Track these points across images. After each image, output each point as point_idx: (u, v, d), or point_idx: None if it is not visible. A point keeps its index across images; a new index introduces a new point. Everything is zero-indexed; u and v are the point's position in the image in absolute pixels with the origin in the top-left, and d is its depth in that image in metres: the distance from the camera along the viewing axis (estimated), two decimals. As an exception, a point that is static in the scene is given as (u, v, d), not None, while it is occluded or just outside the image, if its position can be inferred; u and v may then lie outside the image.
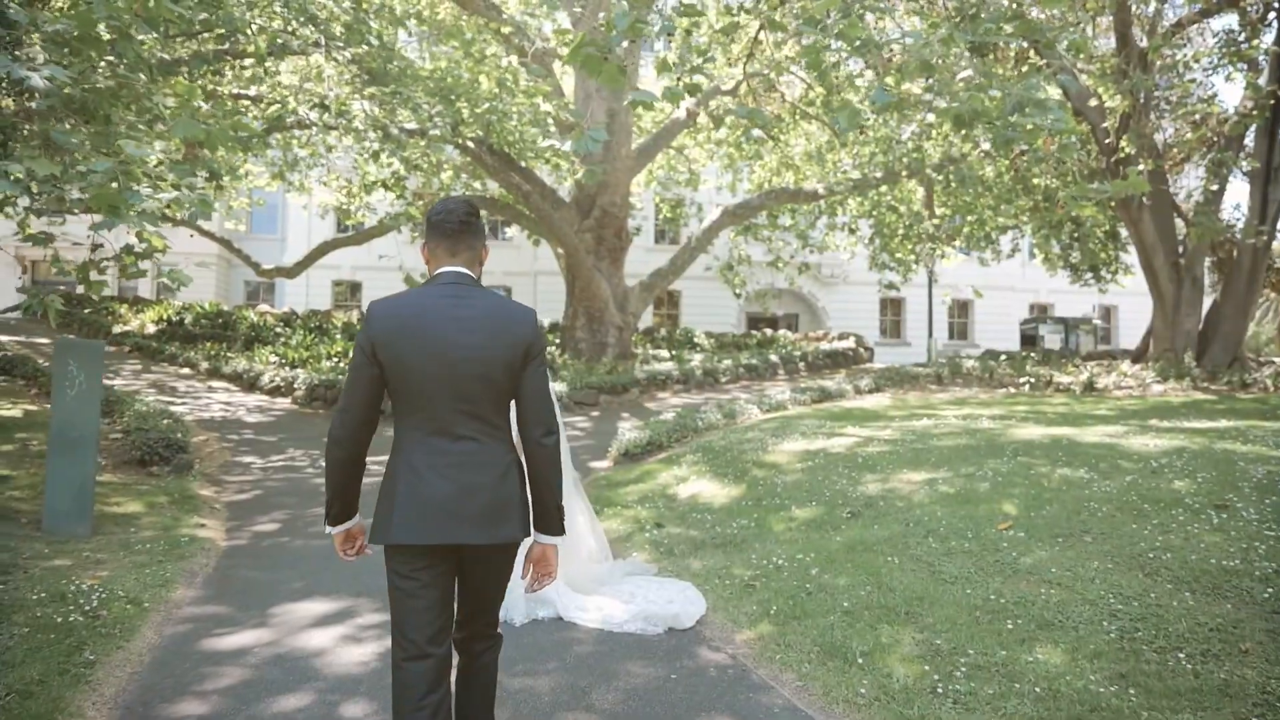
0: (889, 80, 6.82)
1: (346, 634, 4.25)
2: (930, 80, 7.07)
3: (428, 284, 2.48)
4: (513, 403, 2.48)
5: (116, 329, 19.37)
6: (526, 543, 2.56)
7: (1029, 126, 6.32)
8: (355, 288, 33.61)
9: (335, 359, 16.10)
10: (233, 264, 31.30)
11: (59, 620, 4.09)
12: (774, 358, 18.39)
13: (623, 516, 6.76)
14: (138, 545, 5.72)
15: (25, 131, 5.67)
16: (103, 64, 6.59)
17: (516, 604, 4.38)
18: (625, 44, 6.33)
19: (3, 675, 3.48)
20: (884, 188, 19.42)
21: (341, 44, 11.78)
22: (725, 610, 4.63)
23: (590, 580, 4.77)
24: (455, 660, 2.56)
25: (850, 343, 21.06)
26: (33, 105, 5.48)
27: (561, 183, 18.90)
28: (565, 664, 3.93)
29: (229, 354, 17.05)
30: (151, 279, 31.89)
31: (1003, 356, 19.18)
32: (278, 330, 19.79)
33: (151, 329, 19.73)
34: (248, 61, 12.48)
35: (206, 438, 10.53)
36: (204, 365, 16.36)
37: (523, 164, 16.03)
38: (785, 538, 5.66)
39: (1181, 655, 3.53)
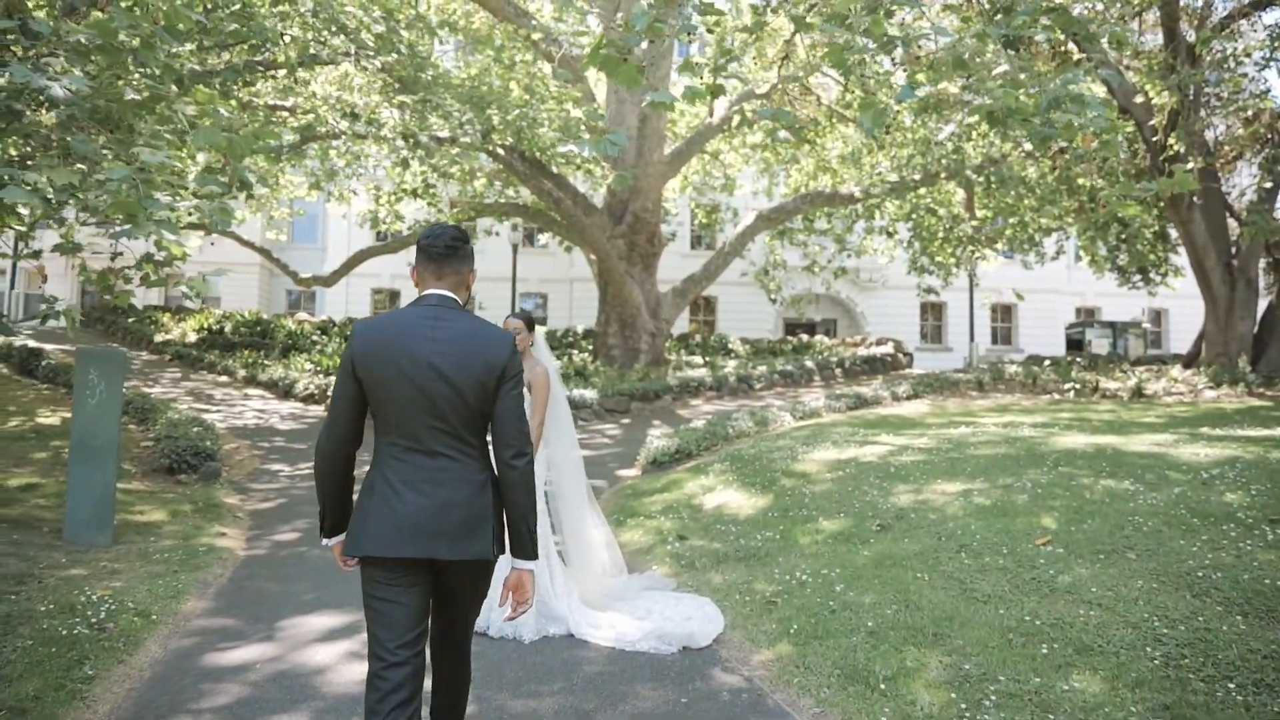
0: (920, 78, 6.58)
1: (351, 650, 4.14)
2: (968, 79, 6.82)
3: (412, 305, 2.53)
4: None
5: (158, 338, 19.74)
6: (504, 568, 2.43)
7: (1067, 123, 6.05)
8: (394, 296, 33.90)
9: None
10: (274, 273, 31.78)
11: (64, 633, 4.04)
12: (810, 364, 18.10)
13: (645, 527, 6.60)
14: (156, 555, 5.70)
15: (51, 140, 5.68)
16: (136, 74, 6.64)
17: (526, 620, 4.23)
18: (645, 44, 6.19)
19: None
20: (923, 190, 19.04)
21: (372, 53, 11.82)
22: (744, 628, 4.44)
23: (604, 596, 4.61)
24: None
25: (888, 348, 20.66)
26: (53, 115, 5.49)
27: (596, 189, 18.85)
28: (572, 685, 3.77)
29: (266, 362, 17.25)
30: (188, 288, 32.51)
31: (1047, 362, 18.68)
32: (314, 338, 20.00)
33: (193, 337, 20.06)
34: (280, 73, 12.58)
35: (237, 445, 10.59)
36: (241, 373, 16.56)
37: (554, 170, 16.01)
38: (811, 551, 5.45)
39: (1231, 685, 3.27)
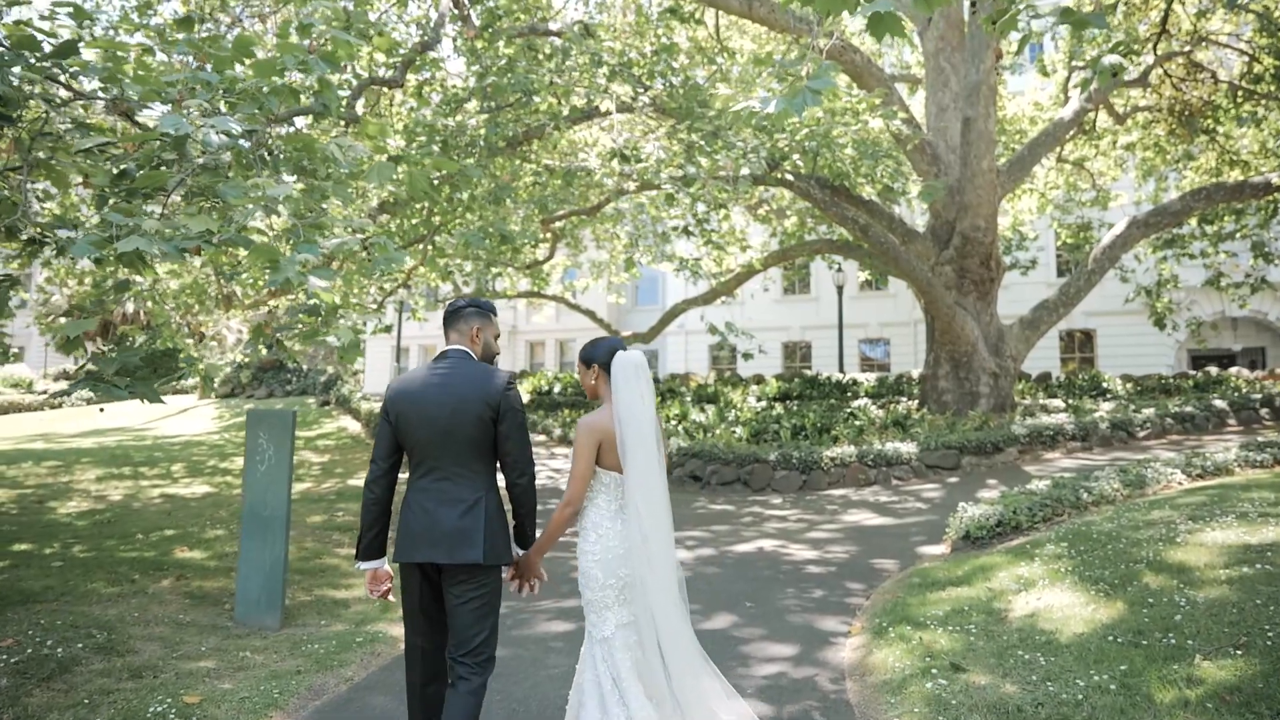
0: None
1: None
2: None
3: (432, 360, 3.07)
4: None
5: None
6: None
7: None
8: (734, 350, 33.60)
9: (673, 421, 15.36)
10: (620, 334, 33.24)
11: (76, 761, 3.25)
12: (1220, 403, 13.89)
13: (909, 644, 4.53)
14: (308, 645, 4.95)
15: (188, 185, 5.40)
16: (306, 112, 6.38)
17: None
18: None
19: None
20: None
21: (642, 88, 11.15)
22: None
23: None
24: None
25: (1346, 379, 15.33)
26: (200, 161, 5.17)
27: (926, 205, 16.45)
28: None
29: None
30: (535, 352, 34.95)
31: None
32: (631, 395, 19.89)
33: (526, 398, 21.02)
34: (554, 132, 12.37)
35: (511, 508, 10.12)
36: (556, 432, 16.72)
37: (859, 194, 14.12)
38: (1173, 722, 3.11)
39: None
